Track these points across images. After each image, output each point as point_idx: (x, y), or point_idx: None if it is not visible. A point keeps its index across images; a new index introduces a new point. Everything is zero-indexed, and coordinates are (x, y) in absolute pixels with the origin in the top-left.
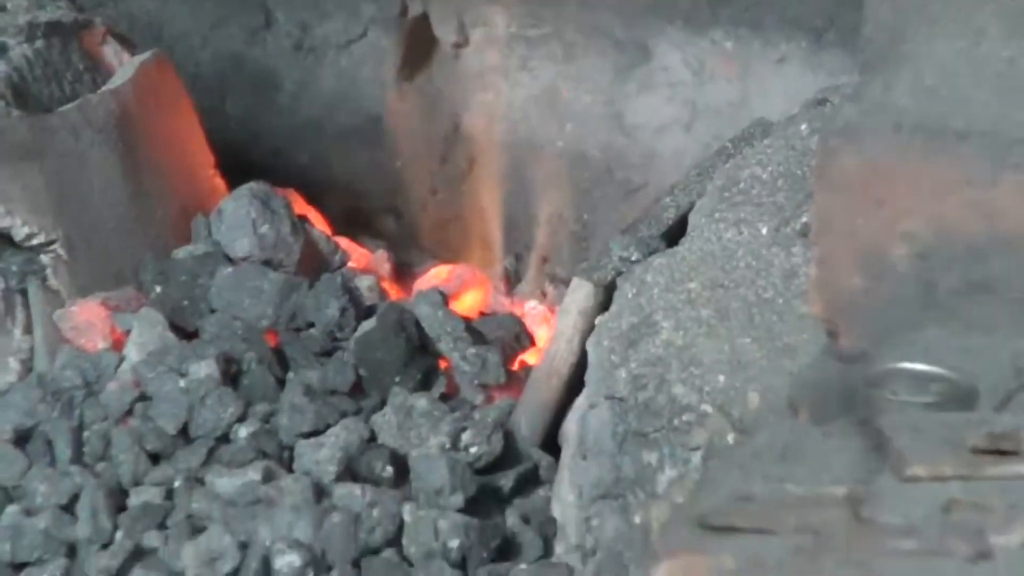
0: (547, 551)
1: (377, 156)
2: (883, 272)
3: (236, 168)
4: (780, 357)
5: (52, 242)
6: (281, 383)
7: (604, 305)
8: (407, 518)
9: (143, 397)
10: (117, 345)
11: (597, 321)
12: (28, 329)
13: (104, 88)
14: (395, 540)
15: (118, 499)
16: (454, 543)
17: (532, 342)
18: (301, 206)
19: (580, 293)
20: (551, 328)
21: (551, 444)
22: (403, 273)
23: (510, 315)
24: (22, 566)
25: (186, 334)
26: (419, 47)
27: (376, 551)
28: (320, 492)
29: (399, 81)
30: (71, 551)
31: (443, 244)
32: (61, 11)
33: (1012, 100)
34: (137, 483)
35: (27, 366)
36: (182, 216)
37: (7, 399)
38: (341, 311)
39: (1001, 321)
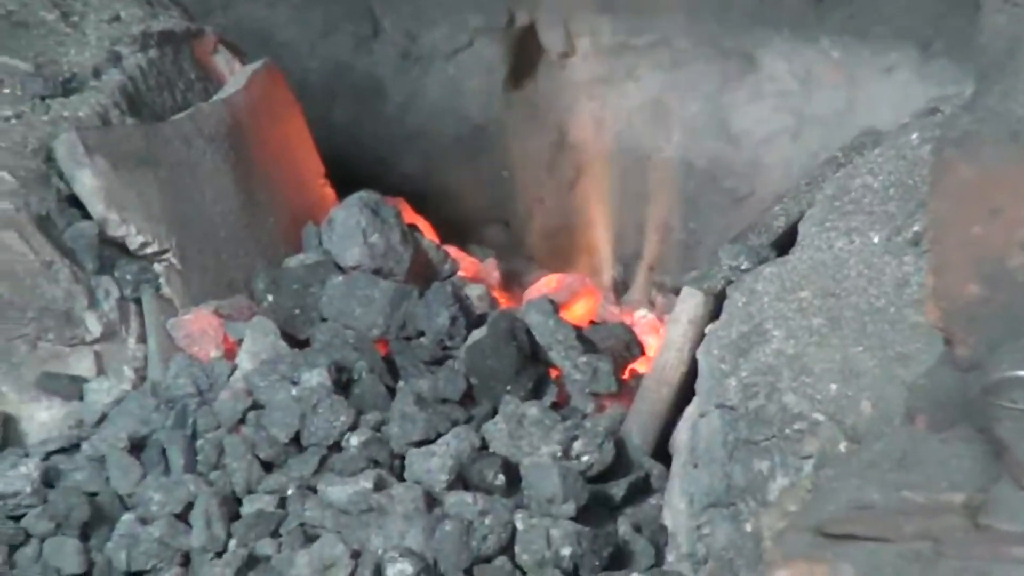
0: (659, 559)
1: (484, 165)
2: (1000, 281)
3: (343, 177)
4: (893, 366)
5: (165, 251)
6: (392, 392)
7: (714, 314)
8: (519, 526)
9: (256, 406)
10: (229, 354)
11: (707, 330)
12: (142, 338)
13: (216, 97)
14: (507, 548)
15: (231, 507)
16: (566, 551)
17: (642, 351)
18: (410, 215)
19: (690, 302)
20: (661, 337)
21: (662, 453)
22: (511, 282)
23: (621, 324)
24: (137, 574)
25: (297, 343)
26: (525, 56)
27: (488, 559)
28: (432, 500)
29: (506, 90)
30: (185, 559)
31: (551, 253)
32: (173, 20)
33: None
34: (250, 491)
35: (141, 375)
36: (293, 225)
37: (122, 408)
38: (452, 320)
39: None
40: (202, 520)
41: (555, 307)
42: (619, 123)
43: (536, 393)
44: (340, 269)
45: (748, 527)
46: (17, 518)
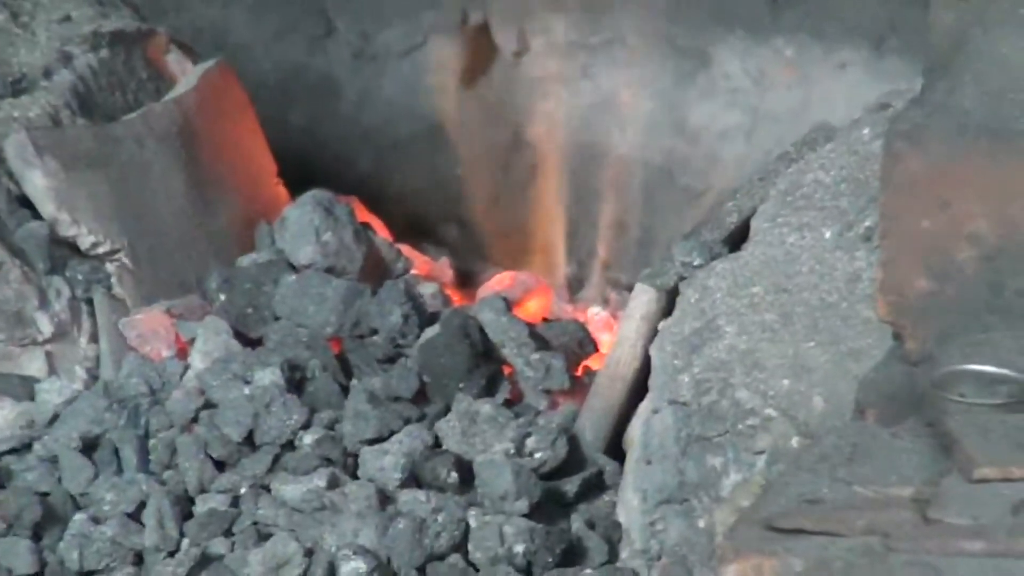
0: (612, 556)
1: (439, 164)
2: (949, 274)
3: (298, 176)
4: (845, 361)
5: (117, 251)
6: (345, 390)
7: (667, 310)
8: (472, 524)
9: (208, 405)
10: (182, 353)
11: (660, 326)
12: (94, 338)
13: (167, 97)
14: (460, 546)
15: (184, 506)
16: (519, 548)
17: (596, 348)
18: (363, 214)
19: (643, 298)
20: (614, 334)
21: (615, 449)
22: (465, 280)
23: (574, 321)
24: (90, 574)
25: (250, 342)
26: (480, 55)
27: (441, 557)
28: (385, 498)
29: (460, 89)
30: (138, 559)
31: (505, 251)
32: (125, 20)
33: None
34: (203, 490)
35: (93, 374)
36: (245, 224)
37: (74, 407)
38: (404, 318)
39: None
40: (154, 519)
41: (508, 304)
42: (574, 121)
43: (489, 391)
44: (293, 268)
45: (701, 523)
46: None
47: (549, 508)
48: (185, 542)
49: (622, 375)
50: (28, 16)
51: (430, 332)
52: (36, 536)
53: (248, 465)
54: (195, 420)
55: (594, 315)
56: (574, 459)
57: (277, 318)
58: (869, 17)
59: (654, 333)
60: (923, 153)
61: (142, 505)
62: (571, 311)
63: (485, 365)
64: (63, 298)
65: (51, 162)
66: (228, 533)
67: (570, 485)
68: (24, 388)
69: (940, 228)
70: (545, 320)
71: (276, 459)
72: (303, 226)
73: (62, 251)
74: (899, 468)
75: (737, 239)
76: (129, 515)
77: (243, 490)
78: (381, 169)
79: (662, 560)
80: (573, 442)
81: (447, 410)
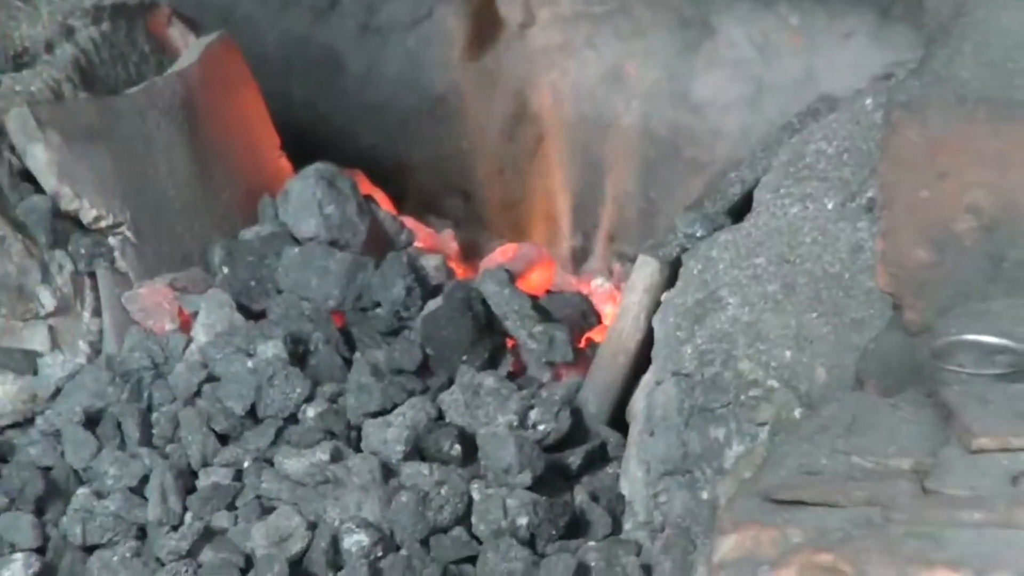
0: (616, 528)
1: (443, 136)
2: (948, 245)
3: (302, 150)
4: (847, 332)
5: (119, 224)
6: (348, 363)
7: (670, 282)
8: (475, 496)
9: (211, 378)
10: (185, 327)
11: (663, 298)
12: (97, 312)
13: (170, 70)
14: (464, 518)
15: (187, 480)
16: (523, 521)
17: (599, 320)
18: (367, 186)
19: (646, 270)
20: (617, 305)
21: (619, 421)
22: (470, 253)
23: (577, 293)
24: (93, 548)
25: (253, 315)
26: (485, 27)
27: (445, 529)
28: (388, 471)
29: (465, 61)
30: (141, 532)
31: (510, 223)
32: None
33: None
34: (206, 464)
35: (96, 348)
36: (248, 197)
37: (77, 381)
38: (407, 290)
39: None
40: (158, 493)
41: (511, 277)
42: (579, 92)
43: (492, 363)
44: (296, 241)
45: (705, 495)
46: None
47: (552, 480)
48: (188, 516)
49: (625, 347)
50: None
51: (433, 305)
52: (39, 511)
53: (251, 438)
54: (198, 394)
55: (597, 287)
56: (577, 431)
57: (280, 291)
58: None
59: (657, 305)
60: (922, 123)
61: (145, 479)
62: (575, 283)
63: (488, 337)
64: (65, 272)
65: (53, 136)
66: (231, 507)
67: (573, 457)
68: (27, 362)
69: (939, 199)
70: (548, 292)
71: (279, 432)
72: (306, 199)
73: (64, 225)
74: (898, 439)
75: (740, 210)
76: (132, 489)
77: (246, 464)
78: (385, 141)
79: (666, 532)
80: (576, 414)
81: (450, 383)
